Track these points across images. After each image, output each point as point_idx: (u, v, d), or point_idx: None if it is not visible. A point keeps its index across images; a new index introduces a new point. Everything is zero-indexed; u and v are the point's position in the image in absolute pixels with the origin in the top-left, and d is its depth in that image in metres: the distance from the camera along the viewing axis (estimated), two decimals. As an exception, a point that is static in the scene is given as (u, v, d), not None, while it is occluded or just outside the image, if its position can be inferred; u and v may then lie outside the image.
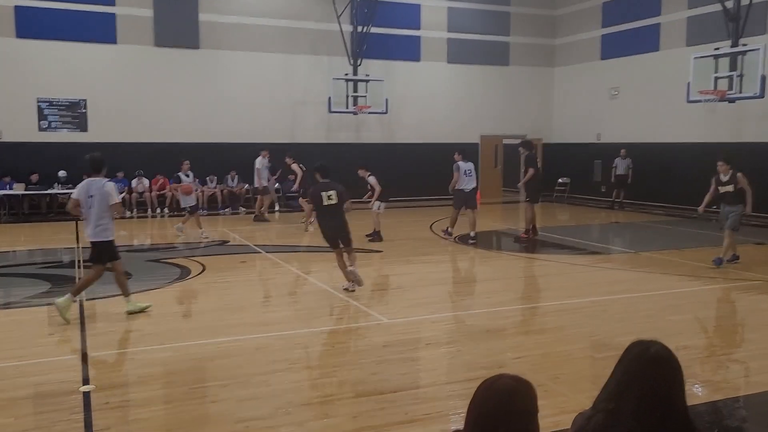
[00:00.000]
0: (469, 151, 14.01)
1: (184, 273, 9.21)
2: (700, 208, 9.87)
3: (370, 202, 12.08)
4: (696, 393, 4.96)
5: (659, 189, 17.88)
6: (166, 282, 8.71)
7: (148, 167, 16.75)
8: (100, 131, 16.67)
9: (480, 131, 21.07)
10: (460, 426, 2.06)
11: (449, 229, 12.66)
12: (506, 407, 1.92)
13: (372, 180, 11.87)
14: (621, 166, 18.10)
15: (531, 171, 12.43)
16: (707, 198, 9.68)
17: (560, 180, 21.00)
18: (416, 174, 19.12)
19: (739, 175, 9.28)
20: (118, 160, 16.75)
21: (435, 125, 20.15)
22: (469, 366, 5.40)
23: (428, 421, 4.30)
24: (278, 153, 17.78)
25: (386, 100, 18.63)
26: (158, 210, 16.66)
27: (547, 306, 7.62)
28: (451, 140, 18.71)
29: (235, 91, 17.90)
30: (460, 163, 12.31)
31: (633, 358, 2.12)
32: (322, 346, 5.91)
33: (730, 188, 9.31)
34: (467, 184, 12.26)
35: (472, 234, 12.10)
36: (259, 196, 15.75)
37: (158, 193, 16.83)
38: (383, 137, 19.78)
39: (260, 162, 15.56)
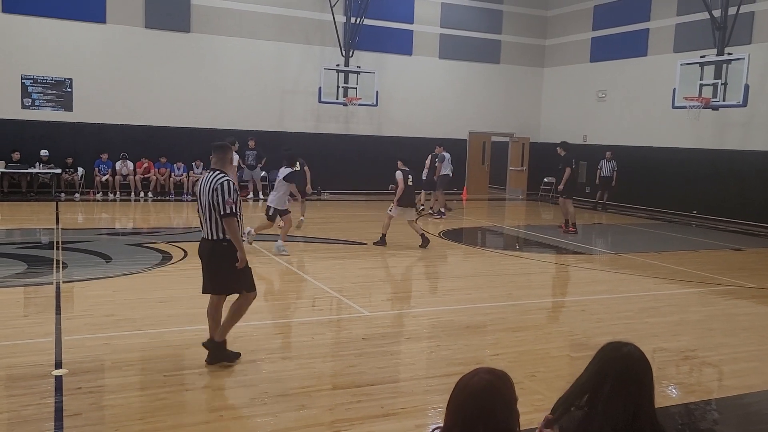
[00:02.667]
0: (452, 146, 16.37)
1: (166, 258, 9.14)
2: None
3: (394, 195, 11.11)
4: (670, 395, 5.02)
5: (643, 192, 18.04)
6: (147, 267, 8.63)
7: (133, 150, 16.55)
8: (85, 111, 16.44)
9: (468, 128, 21.12)
10: (440, 424, 2.07)
11: (442, 210, 14.87)
12: (485, 404, 1.93)
13: (398, 176, 10.84)
14: (606, 168, 18.23)
15: (568, 170, 13.06)
16: None
17: (546, 180, 21.11)
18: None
19: None
20: (102, 141, 16.60)
21: (424, 120, 20.13)
22: (447, 361, 5.42)
23: (404, 415, 4.31)
24: (266, 141, 17.77)
25: (376, 92, 18.55)
26: (142, 194, 16.48)
27: (527, 304, 7.67)
28: (440, 135, 18.73)
29: (225, 77, 17.73)
30: (444, 154, 15.13)
31: (606, 356, 2.14)
32: (301, 337, 5.89)
33: None
34: (449, 170, 15.30)
35: (443, 209, 14.91)
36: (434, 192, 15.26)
37: (143, 176, 16.65)
38: (372, 129, 19.73)
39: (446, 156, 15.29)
